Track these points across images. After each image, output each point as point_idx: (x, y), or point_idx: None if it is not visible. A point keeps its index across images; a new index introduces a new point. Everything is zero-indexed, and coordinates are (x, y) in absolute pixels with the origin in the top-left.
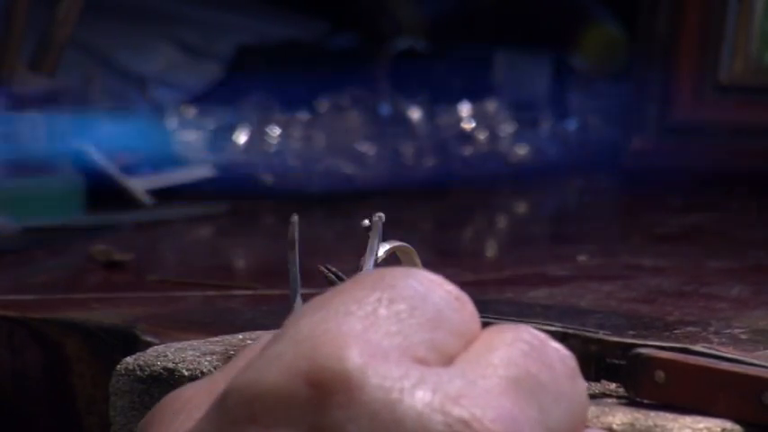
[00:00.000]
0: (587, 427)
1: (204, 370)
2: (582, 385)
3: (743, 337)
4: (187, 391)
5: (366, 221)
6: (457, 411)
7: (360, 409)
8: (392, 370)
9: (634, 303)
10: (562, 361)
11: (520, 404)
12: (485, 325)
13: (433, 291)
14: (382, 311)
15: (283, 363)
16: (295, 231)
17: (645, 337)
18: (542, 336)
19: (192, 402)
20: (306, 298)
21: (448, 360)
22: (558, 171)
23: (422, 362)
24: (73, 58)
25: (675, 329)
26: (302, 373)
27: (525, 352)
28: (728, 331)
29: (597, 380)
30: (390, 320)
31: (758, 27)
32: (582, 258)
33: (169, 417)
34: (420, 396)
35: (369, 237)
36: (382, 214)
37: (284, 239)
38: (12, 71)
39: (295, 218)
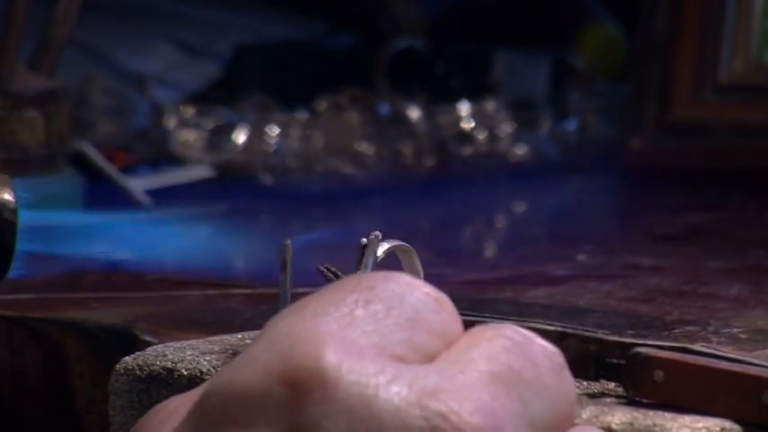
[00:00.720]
0: (575, 424)
1: (203, 369)
2: (569, 382)
3: (742, 336)
4: (172, 402)
5: (364, 239)
6: (434, 405)
7: (335, 405)
8: (367, 366)
9: (633, 303)
10: (548, 357)
11: (500, 398)
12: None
13: (410, 293)
14: (359, 312)
15: (259, 363)
16: (287, 255)
17: (644, 337)
18: (528, 333)
19: (177, 413)
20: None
21: (427, 360)
22: (557, 171)
23: (400, 360)
24: (72, 57)
25: (675, 329)
26: (277, 373)
27: (507, 348)
28: (728, 331)
29: (596, 379)
30: (367, 320)
31: (757, 26)
32: (581, 258)
33: (154, 427)
34: (396, 391)
35: (364, 253)
36: (379, 233)
37: (282, 239)
38: (11, 71)
39: (288, 242)
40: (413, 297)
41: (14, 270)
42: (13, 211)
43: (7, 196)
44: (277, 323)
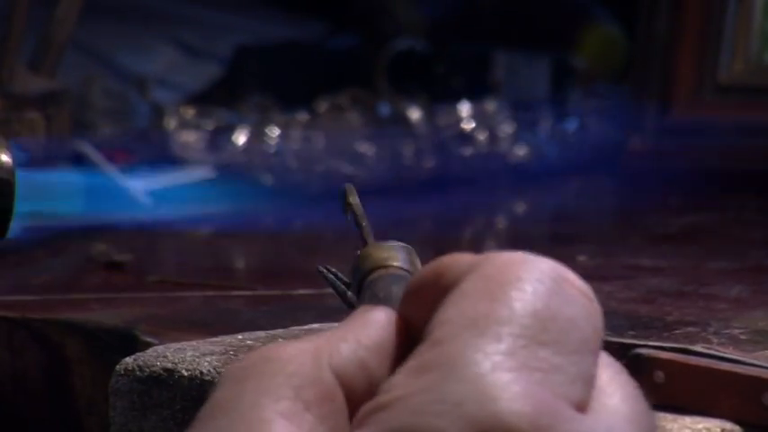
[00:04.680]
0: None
1: (204, 370)
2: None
3: (742, 337)
4: (286, 348)
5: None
6: None
7: None
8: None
9: (634, 304)
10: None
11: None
12: None
13: (570, 300)
14: (532, 352)
15: (451, 418)
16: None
17: (645, 338)
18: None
19: (291, 364)
20: (306, 297)
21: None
22: (557, 171)
23: (580, 406)
24: (73, 59)
25: (675, 330)
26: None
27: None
28: (728, 331)
29: None
30: (544, 358)
31: (757, 27)
32: (581, 259)
33: (264, 377)
34: None
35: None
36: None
37: (283, 239)
38: (12, 72)
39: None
40: (575, 306)
41: (14, 230)
42: (10, 171)
43: (4, 157)
44: (463, 367)
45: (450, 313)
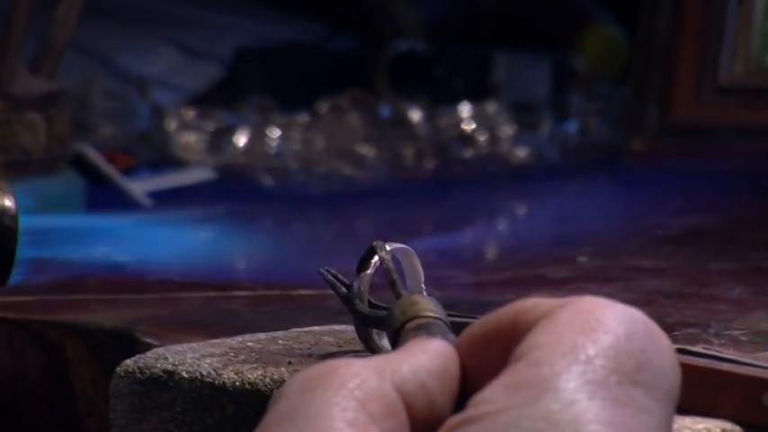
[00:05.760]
0: None
1: (204, 372)
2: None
3: (743, 338)
4: (350, 363)
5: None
6: None
7: None
8: None
9: (634, 305)
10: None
11: None
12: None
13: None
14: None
15: None
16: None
17: None
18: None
19: (357, 378)
20: (306, 299)
21: None
22: (558, 173)
23: None
24: (73, 60)
25: (675, 331)
26: None
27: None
28: (728, 333)
29: None
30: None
31: (758, 28)
32: (582, 260)
33: (330, 388)
34: None
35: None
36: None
37: (283, 241)
38: (12, 73)
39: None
40: (666, 358)
41: (16, 276)
42: (14, 218)
43: (8, 203)
44: (531, 402)
45: (548, 339)
